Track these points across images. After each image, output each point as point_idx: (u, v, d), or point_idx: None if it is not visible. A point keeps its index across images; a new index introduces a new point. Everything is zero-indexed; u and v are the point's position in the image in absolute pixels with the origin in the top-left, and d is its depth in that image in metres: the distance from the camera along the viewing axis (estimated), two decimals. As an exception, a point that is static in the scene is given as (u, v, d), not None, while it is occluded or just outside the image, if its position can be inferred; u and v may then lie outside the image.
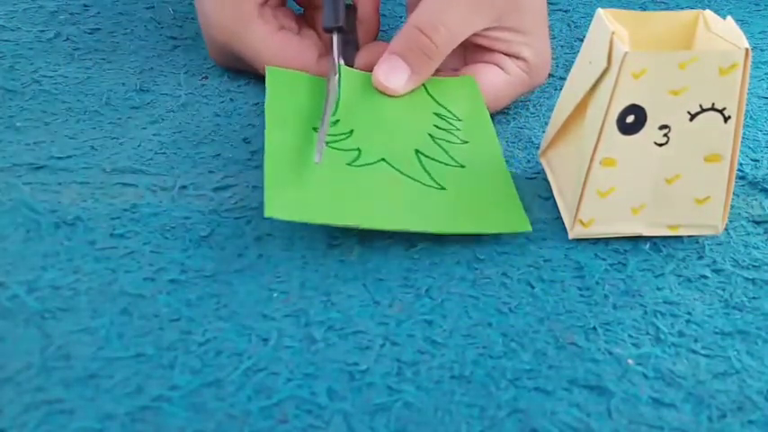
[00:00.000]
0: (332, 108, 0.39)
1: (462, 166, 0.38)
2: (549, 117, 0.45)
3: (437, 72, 0.43)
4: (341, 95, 0.40)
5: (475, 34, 0.42)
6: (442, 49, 0.41)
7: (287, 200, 0.34)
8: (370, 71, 0.43)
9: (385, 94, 0.41)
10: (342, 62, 0.42)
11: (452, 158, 0.39)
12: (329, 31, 0.43)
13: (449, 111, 0.42)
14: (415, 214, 0.35)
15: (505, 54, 0.44)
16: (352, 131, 0.39)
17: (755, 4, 0.63)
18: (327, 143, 0.37)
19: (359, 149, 0.38)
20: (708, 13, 0.36)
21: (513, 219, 0.36)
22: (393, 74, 0.41)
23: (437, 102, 0.42)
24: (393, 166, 0.37)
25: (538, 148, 0.43)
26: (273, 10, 0.46)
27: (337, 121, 0.39)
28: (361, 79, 0.42)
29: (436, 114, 0.41)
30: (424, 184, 0.37)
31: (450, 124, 0.41)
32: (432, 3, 0.41)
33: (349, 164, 0.37)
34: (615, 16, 0.36)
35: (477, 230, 0.36)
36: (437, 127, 0.40)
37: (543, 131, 0.44)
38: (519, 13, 0.43)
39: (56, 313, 0.31)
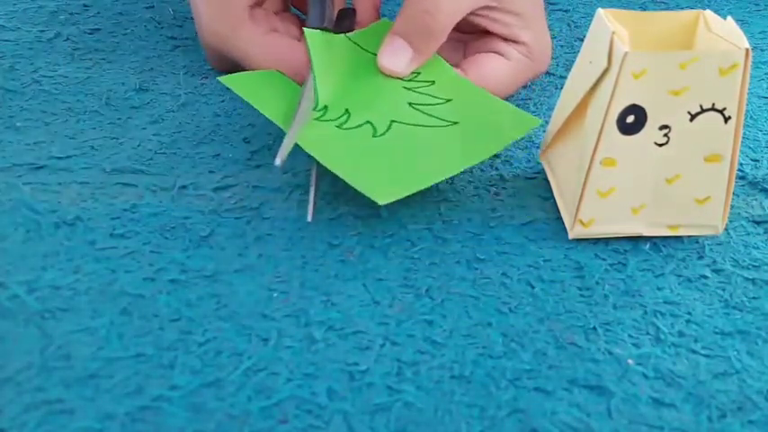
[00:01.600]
0: (305, 116, 0.38)
1: (450, 100, 0.40)
2: (549, 116, 0.45)
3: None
4: (314, 68, 0.40)
5: (474, 14, 0.42)
6: (445, 26, 0.41)
7: (380, 183, 0.35)
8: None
9: (390, 76, 0.41)
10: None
11: (437, 98, 0.40)
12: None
13: None
14: (457, 154, 0.37)
15: (505, 39, 0.44)
16: (347, 110, 0.39)
17: (755, 4, 0.63)
18: (338, 127, 0.38)
19: (369, 122, 0.39)
20: (708, 13, 0.36)
21: (522, 121, 0.39)
22: (396, 55, 0.41)
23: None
24: (404, 123, 0.38)
25: (538, 147, 0.43)
26: (269, 14, 0.45)
27: (325, 107, 0.39)
28: (328, 42, 0.42)
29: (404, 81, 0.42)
30: (438, 127, 0.38)
31: (418, 78, 0.42)
32: None
33: (374, 136, 0.38)
34: (615, 16, 0.36)
35: (505, 144, 0.38)
36: (402, 79, 0.41)
37: (544, 131, 0.44)
38: None
39: (56, 313, 0.31)
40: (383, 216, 0.37)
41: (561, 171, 0.39)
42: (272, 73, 0.42)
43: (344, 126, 0.38)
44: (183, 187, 0.39)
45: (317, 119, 0.39)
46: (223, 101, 0.46)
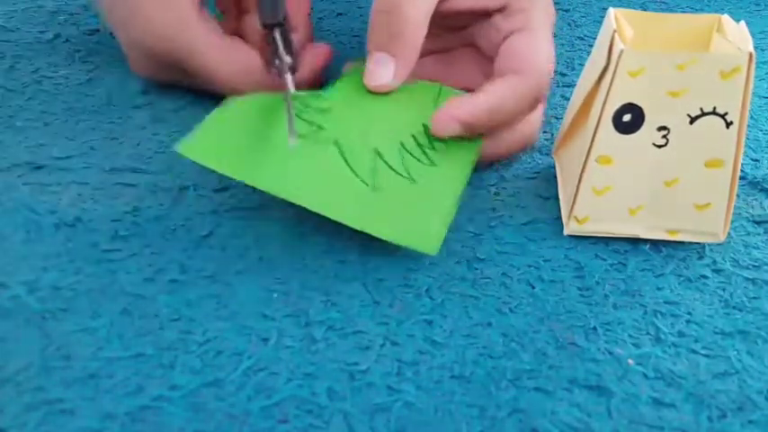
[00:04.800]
0: (292, 102, 0.36)
1: (413, 181, 0.36)
2: (549, 116, 0.45)
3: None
4: (343, 79, 0.39)
5: None
6: (414, 20, 0.36)
7: (209, 143, 0.33)
8: (318, 73, 0.43)
9: (380, 92, 0.38)
10: (288, 59, 0.39)
11: (407, 172, 0.36)
12: (269, 27, 0.39)
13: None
14: (332, 199, 0.34)
15: (498, 10, 0.39)
16: (328, 109, 0.37)
17: (755, 4, 0.63)
18: (298, 114, 0.36)
19: (320, 126, 0.36)
20: (725, 18, 0.36)
21: (422, 237, 0.34)
22: (377, 69, 0.37)
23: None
24: (342, 153, 0.36)
25: (539, 148, 0.43)
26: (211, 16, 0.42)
27: (319, 96, 0.38)
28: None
29: (425, 126, 0.38)
30: (359, 179, 0.35)
31: (430, 143, 0.37)
32: None
33: (301, 135, 0.36)
34: (627, 16, 0.36)
35: (381, 235, 0.34)
36: (414, 138, 0.37)
37: (544, 130, 0.44)
38: None
39: (56, 313, 0.31)
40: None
41: (566, 168, 0.39)
42: (239, 112, 0.37)
43: (302, 114, 0.36)
44: (184, 188, 0.39)
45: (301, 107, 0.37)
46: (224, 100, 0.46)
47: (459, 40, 0.42)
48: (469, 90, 0.40)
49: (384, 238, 0.34)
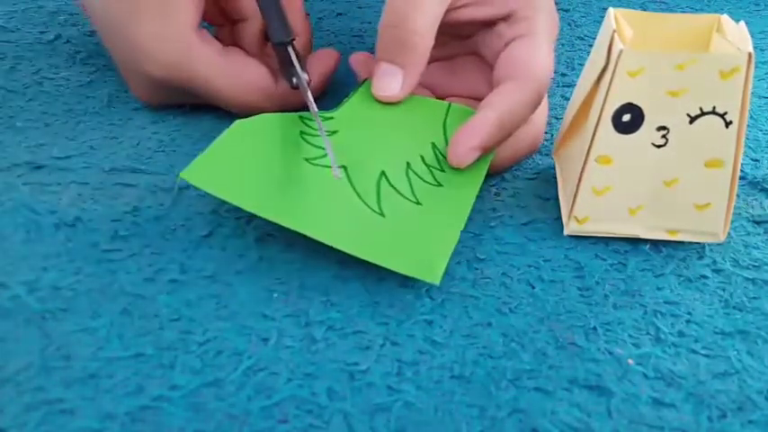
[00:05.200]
0: (322, 124, 0.37)
1: (419, 204, 0.36)
2: (550, 116, 0.45)
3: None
4: (352, 98, 0.39)
5: (454, 9, 0.38)
6: (423, 34, 0.37)
7: (213, 169, 0.34)
8: (326, 79, 0.43)
9: (389, 103, 0.38)
10: (305, 75, 0.40)
11: (414, 194, 0.36)
12: (282, 45, 0.40)
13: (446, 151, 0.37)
14: (336, 228, 0.34)
15: (502, 19, 0.39)
16: (336, 132, 0.37)
17: (755, 4, 0.63)
18: (305, 138, 0.37)
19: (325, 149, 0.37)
20: (725, 18, 0.36)
21: (425, 266, 0.33)
22: (385, 80, 0.38)
23: (446, 135, 0.38)
24: (349, 178, 0.36)
25: (539, 148, 0.43)
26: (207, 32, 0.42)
27: (331, 118, 0.38)
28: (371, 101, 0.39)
29: (433, 145, 0.38)
30: (365, 204, 0.35)
31: (438, 163, 0.37)
32: None
33: (307, 159, 0.36)
34: (627, 16, 0.36)
35: (385, 264, 0.33)
36: (422, 158, 0.37)
37: (545, 131, 0.44)
38: None
39: (56, 313, 0.31)
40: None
41: (566, 168, 0.39)
42: (241, 139, 0.36)
43: (305, 135, 0.37)
44: (184, 188, 0.39)
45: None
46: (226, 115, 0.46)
47: (464, 49, 0.42)
48: (473, 98, 0.41)
49: (388, 267, 0.33)
